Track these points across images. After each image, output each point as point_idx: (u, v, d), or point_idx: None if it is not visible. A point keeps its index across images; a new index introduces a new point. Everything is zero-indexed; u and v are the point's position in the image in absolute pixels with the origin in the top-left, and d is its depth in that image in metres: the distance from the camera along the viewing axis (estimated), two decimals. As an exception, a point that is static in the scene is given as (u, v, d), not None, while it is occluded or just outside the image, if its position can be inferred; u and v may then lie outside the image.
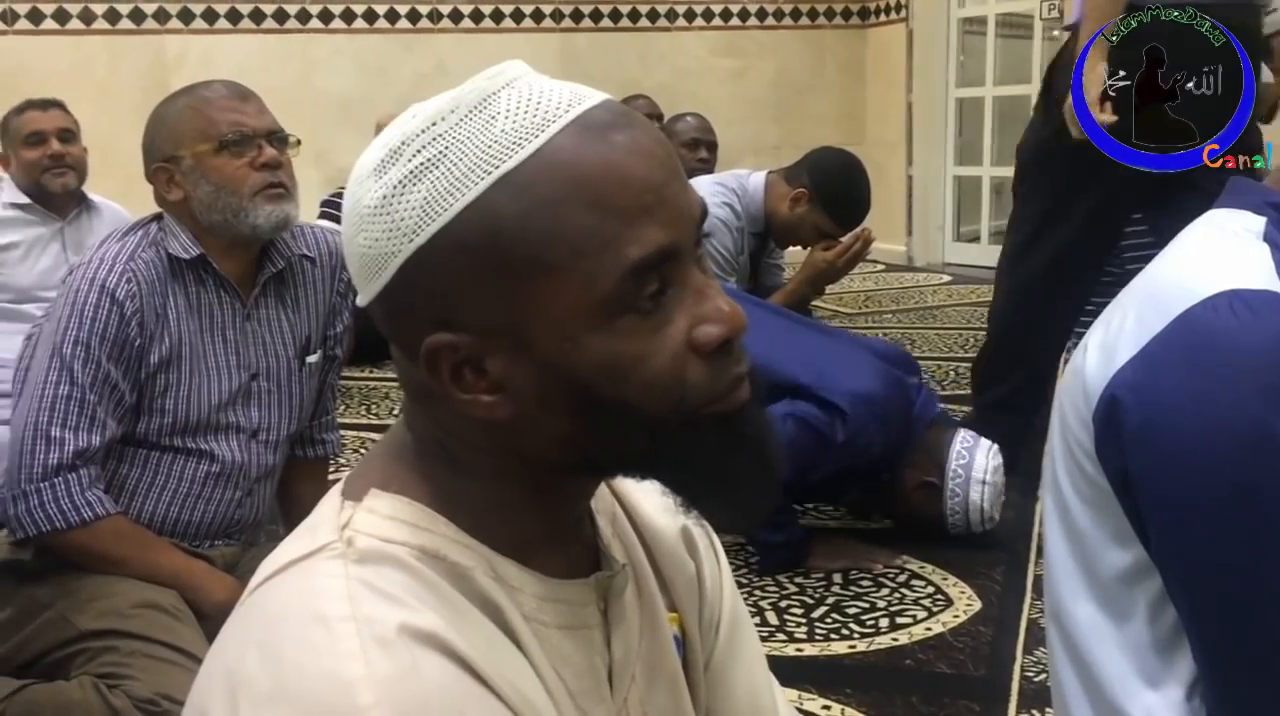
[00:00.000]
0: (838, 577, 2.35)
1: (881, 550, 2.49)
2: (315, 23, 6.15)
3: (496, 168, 0.63)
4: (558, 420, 0.66)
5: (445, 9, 6.34)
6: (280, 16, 6.08)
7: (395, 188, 0.64)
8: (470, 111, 0.64)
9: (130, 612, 1.59)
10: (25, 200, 3.12)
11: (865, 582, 2.32)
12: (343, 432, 2.42)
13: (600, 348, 0.64)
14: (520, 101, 0.64)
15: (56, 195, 3.13)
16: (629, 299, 0.64)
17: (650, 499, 0.82)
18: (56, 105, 3.19)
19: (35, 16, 5.72)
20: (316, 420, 1.94)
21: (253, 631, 0.63)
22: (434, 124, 0.65)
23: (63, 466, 1.60)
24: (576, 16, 6.61)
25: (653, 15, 6.75)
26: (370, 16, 6.22)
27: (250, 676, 0.60)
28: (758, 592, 2.27)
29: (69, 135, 3.15)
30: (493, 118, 0.64)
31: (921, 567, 2.39)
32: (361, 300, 0.68)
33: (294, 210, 1.72)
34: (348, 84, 6.05)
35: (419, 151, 0.64)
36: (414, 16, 6.30)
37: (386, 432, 0.73)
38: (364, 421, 3.59)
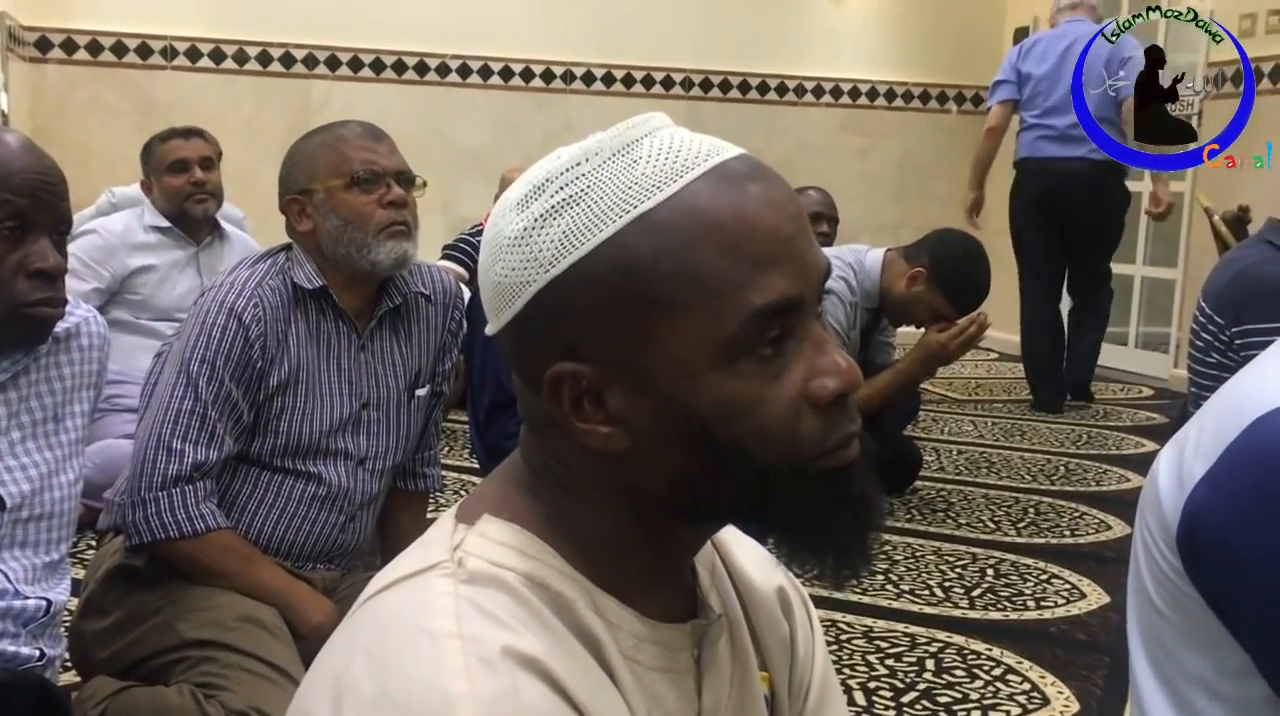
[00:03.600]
0: (930, 664, 2.29)
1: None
2: (453, 77, 6.35)
3: (635, 207, 0.65)
4: (671, 456, 0.67)
5: (578, 71, 6.49)
6: (420, 69, 6.29)
7: (536, 221, 0.67)
8: (613, 154, 0.67)
9: (231, 625, 1.63)
10: (165, 224, 3.26)
11: (959, 671, 2.26)
12: (444, 473, 2.46)
13: (719, 388, 0.65)
14: (661, 148, 0.67)
15: (195, 220, 3.26)
16: (750, 343, 0.65)
17: (749, 557, 0.82)
18: (198, 134, 3.31)
19: (193, 54, 6.02)
20: (420, 454, 1.97)
21: (361, 639, 0.64)
22: (578, 164, 0.67)
23: (180, 477, 1.66)
24: (705, 86, 6.70)
25: (781, 89, 6.81)
26: (505, 74, 6.40)
27: (356, 681, 0.61)
28: (846, 671, 2.23)
29: (209, 163, 3.27)
30: (634, 161, 0.66)
31: (1019, 663, 2.31)
32: (491, 328, 0.70)
33: (412, 249, 1.78)
34: (479, 137, 6.22)
35: (562, 188, 0.67)
36: (547, 76, 6.46)
37: (504, 461, 0.74)
38: (466, 464, 3.64)
